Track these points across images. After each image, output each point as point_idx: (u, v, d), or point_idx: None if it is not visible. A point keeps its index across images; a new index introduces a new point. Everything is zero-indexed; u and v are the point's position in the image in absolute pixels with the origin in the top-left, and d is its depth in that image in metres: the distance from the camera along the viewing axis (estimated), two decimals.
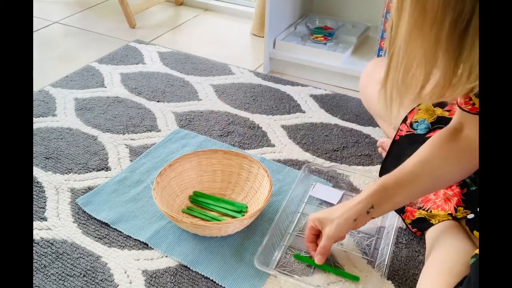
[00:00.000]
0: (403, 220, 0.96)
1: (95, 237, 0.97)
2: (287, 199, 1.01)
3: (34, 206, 1.04)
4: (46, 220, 1.01)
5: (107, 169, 1.15)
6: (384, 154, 1.09)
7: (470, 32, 0.55)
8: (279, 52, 1.60)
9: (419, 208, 0.93)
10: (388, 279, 0.89)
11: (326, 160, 1.19)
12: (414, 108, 0.96)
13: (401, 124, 0.98)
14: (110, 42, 1.82)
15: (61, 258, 0.93)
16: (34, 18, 1.99)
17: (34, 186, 1.09)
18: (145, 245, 0.96)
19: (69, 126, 1.31)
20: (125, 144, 1.24)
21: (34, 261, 0.92)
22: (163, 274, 0.90)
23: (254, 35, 1.92)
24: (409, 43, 0.59)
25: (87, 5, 2.17)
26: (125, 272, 0.90)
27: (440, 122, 0.92)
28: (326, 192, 1.08)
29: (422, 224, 0.92)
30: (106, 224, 1.00)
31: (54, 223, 1.00)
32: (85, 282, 0.88)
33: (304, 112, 1.38)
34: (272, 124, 1.33)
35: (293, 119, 1.35)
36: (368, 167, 1.17)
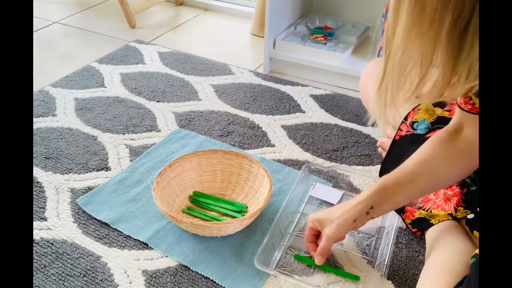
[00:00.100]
0: (403, 220, 0.96)
1: (95, 237, 0.97)
2: (287, 199, 1.01)
3: (34, 206, 1.04)
4: (46, 220, 1.01)
5: (107, 169, 1.15)
6: (384, 154, 1.09)
7: (470, 32, 0.55)
8: (279, 52, 1.60)
9: (419, 208, 0.93)
10: (388, 279, 0.89)
11: (326, 160, 1.19)
12: (414, 108, 0.96)
13: (401, 124, 0.98)
14: (110, 42, 1.82)
15: (61, 258, 0.93)
16: (34, 18, 1.99)
17: (34, 186, 1.09)
18: (145, 245, 0.96)
19: (69, 126, 1.31)
20: (125, 144, 1.24)
21: (34, 261, 0.92)
22: (163, 274, 0.90)
23: (254, 35, 1.92)
24: (406, 44, 0.59)
25: (87, 5, 2.17)
26: (125, 272, 0.90)
27: (440, 122, 0.92)
28: (326, 192, 1.08)
29: (422, 224, 0.92)
30: (106, 224, 1.00)
31: (54, 223, 1.00)
32: (85, 282, 0.88)
33: (304, 112, 1.38)
34: (272, 124, 1.33)
35: (293, 119, 1.35)
36: (368, 167, 1.17)
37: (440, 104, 0.94)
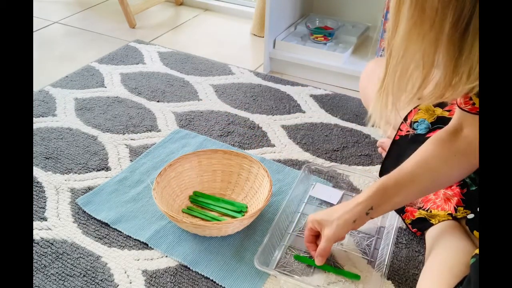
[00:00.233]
0: (403, 220, 0.96)
1: (95, 237, 0.97)
2: (287, 199, 1.01)
3: (34, 206, 1.04)
4: (46, 220, 1.01)
5: (107, 169, 1.15)
6: (384, 154, 1.09)
7: (470, 33, 0.55)
8: (279, 52, 1.60)
9: (419, 208, 0.93)
10: (388, 279, 0.89)
11: (326, 160, 1.19)
12: (414, 108, 0.96)
13: (401, 124, 0.98)
14: (110, 42, 1.82)
15: (61, 258, 0.93)
16: (34, 18, 1.99)
17: (34, 186, 1.09)
18: (145, 245, 0.96)
19: (69, 126, 1.31)
20: (125, 144, 1.24)
21: (34, 261, 0.92)
22: (163, 274, 0.90)
23: (254, 35, 1.92)
24: (407, 45, 0.59)
25: (87, 5, 2.17)
26: (125, 272, 0.90)
27: (440, 122, 0.92)
28: (326, 192, 1.08)
29: (422, 224, 0.92)
30: (106, 224, 1.00)
31: (54, 223, 1.00)
32: (85, 282, 0.88)
33: (304, 112, 1.38)
34: (272, 124, 1.33)
35: (293, 119, 1.35)
36: (368, 167, 1.17)
37: (440, 104, 0.94)
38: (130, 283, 0.88)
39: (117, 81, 1.53)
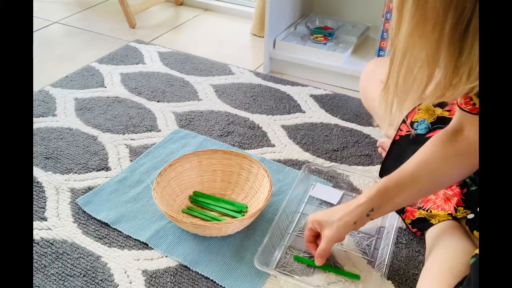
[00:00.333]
0: (403, 220, 0.96)
1: (95, 237, 0.97)
2: (287, 199, 1.01)
3: (34, 206, 1.04)
4: (46, 220, 1.01)
5: (107, 169, 1.15)
6: (384, 154, 1.09)
7: (470, 33, 0.55)
8: (279, 52, 1.60)
9: (419, 208, 0.93)
10: (388, 279, 0.89)
11: (326, 160, 1.19)
12: (414, 108, 0.96)
13: (401, 124, 0.97)
14: (110, 42, 1.82)
15: (61, 258, 0.93)
16: (34, 18, 1.99)
17: (34, 186, 1.09)
18: (145, 245, 0.96)
19: (69, 126, 1.31)
20: (125, 144, 1.24)
21: (34, 261, 0.92)
22: (163, 274, 0.90)
23: (254, 35, 1.92)
24: (410, 45, 0.59)
25: (87, 5, 2.17)
26: (125, 272, 0.90)
27: (440, 122, 0.92)
28: (326, 192, 1.08)
29: (422, 224, 0.92)
30: (106, 224, 1.00)
31: (54, 223, 1.00)
32: (85, 282, 0.88)
33: (304, 112, 1.38)
34: (272, 124, 1.33)
35: (293, 119, 1.35)
36: (368, 167, 1.17)
37: (440, 104, 0.94)
38: (130, 283, 0.88)
39: (117, 81, 1.53)
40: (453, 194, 0.89)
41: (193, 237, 0.97)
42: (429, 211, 0.91)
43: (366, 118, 1.34)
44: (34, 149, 1.21)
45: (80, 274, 0.89)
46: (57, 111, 1.37)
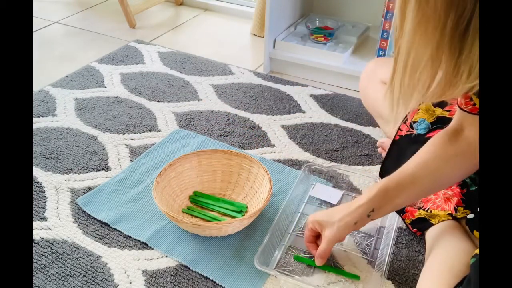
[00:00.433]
0: (403, 220, 0.96)
1: (95, 237, 0.97)
2: (287, 199, 1.01)
3: (34, 206, 1.04)
4: (46, 220, 1.01)
5: (107, 169, 1.15)
6: (384, 154, 1.09)
7: (470, 32, 0.55)
8: (279, 52, 1.60)
9: (419, 208, 0.93)
10: (388, 279, 0.89)
11: (326, 160, 1.19)
12: (411, 111, 0.96)
13: (401, 124, 0.97)
14: (110, 42, 1.82)
15: (61, 258, 0.93)
16: (34, 18, 1.99)
17: (34, 186, 1.09)
18: (145, 245, 0.96)
19: (69, 126, 1.31)
20: (125, 144, 1.24)
21: (34, 261, 0.92)
22: (163, 274, 0.90)
23: (254, 35, 1.92)
24: (414, 44, 0.59)
25: (87, 5, 2.17)
26: (125, 272, 0.90)
27: (440, 122, 0.92)
28: (326, 192, 1.08)
29: (422, 224, 0.92)
30: (106, 224, 1.00)
31: (54, 223, 1.00)
32: (85, 282, 0.88)
33: (304, 112, 1.38)
34: (272, 124, 1.33)
35: (293, 119, 1.35)
36: (368, 167, 1.17)
37: (440, 104, 0.94)
38: (130, 283, 0.88)
39: (117, 81, 1.53)
40: (453, 194, 0.89)
41: (193, 237, 0.97)
42: (429, 211, 0.91)
43: (366, 118, 1.34)
44: (34, 149, 1.21)
45: (80, 274, 0.89)
46: (57, 111, 1.37)
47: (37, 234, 0.97)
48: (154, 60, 1.66)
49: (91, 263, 0.92)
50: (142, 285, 0.88)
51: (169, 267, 0.91)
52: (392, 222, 0.96)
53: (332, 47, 1.58)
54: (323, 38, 1.61)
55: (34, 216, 1.02)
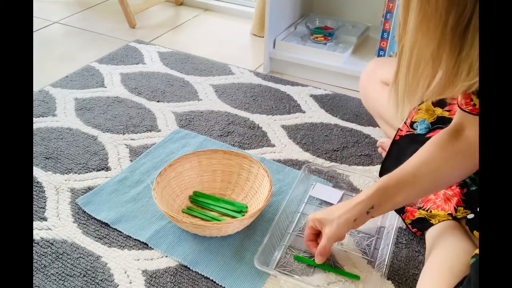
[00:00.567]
0: (403, 220, 0.96)
1: (95, 237, 0.97)
2: (287, 199, 1.01)
3: (34, 206, 1.04)
4: (46, 220, 1.01)
5: (107, 169, 1.15)
6: (384, 154, 1.09)
7: (471, 30, 0.55)
8: (279, 52, 1.60)
9: (419, 208, 0.93)
10: (388, 279, 0.89)
11: (326, 160, 1.19)
12: (414, 108, 0.96)
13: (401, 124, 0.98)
14: (110, 42, 1.82)
15: (61, 258, 0.93)
16: (34, 18, 1.99)
17: (34, 186, 1.09)
18: (145, 245, 0.96)
19: (69, 126, 1.31)
20: (125, 144, 1.24)
21: (34, 261, 0.92)
22: (163, 274, 0.90)
23: (254, 35, 1.92)
24: (416, 43, 0.59)
25: (87, 5, 2.17)
26: (125, 272, 0.90)
27: (440, 122, 0.92)
28: (326, 192, 1.08)
29: (422, 224, 0.92)
30: (106, 224, 1.00)
31: (54, 223, 1.00)
32: (85, 282, 0.88)
33: (304, 112, 1.38)
34: (272, 124, 1.33)
35: (293, 119, 1.35)
36: (368, 167, 1.17)
37: (440, 104, 0.94)
38: (130, 283, 0.88)
39: (117, 81, 1.53)
40: (453, 194, 0.89)
41: (193, 237, 0.97)
42: (429, 211, 0.91)
43: (366, 118, 1.34)
44: (34, 149, 1.21)
45: (80, 274, 0.89)
46: (57, 111, 1.37)
47: (37, 234, 0.97)
48: (154, 60, 1.66)
49: (91, 263, 0.92)
50: (142, 285, 0.88)
51: (169, 267, 0.91)
52: (392, 222, 0.96)
53: (332, 47, 1.58)
54: (323, 38, 1.61)
55: (34, 216, 1.02)
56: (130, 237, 0.97)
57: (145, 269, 0.91)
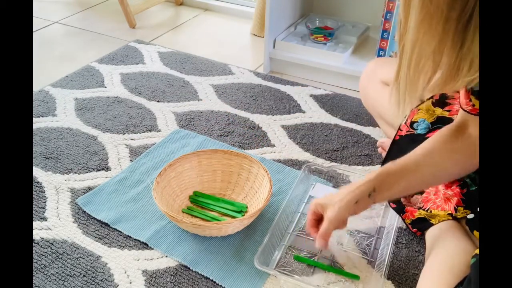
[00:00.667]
0: (403, 220, 0.96)
1: (95, 237, 0.97)
2: (287, 199, 1.01)
3: (34, 206, 1.04)
4: (46, 220, 1.01)
5: (107, 169, 1.15)
6: (384, 154, 1.09)
7: (472, 25, 0.55)
8: (279, 52, 1.60)
9: (419, 208, 0.93)
10: (388, 279, 0.89)
11: (326, 160, 1.19)
12: (414, 108, 0.96)
13: (401, 124, 0.97)
14: (110, 42, 1.82)
15: (61, 258, 0.93)
16: (34, 18, 1.99)
17: (34, 186, 1.09)
18: (145, 245, 0.96)
19: (69, 126, 1.31)
20: (125, 144, 1.24)
21: (34, 261, 0.92)
22: (163, 274, 0.90)
23: (254, 35, 1.92)
24: (417, 40, 0.59)
25: (87, 5, 2.17)
26: (125, 272, 0.90)
27: (440, 122, 0.92)
28: (326, 192, 1.07)
29: (422, 224, 0.92)
30: (106, 224, 1.00)
31: (54, 223, 1.00)
32: (85, 282, 0.88)
33: (304, 112, 1.38)
34: (272, 124, 1.33)
35: (293, 119, 1.35)
36: (368, 167, 1.17)
37: (440, 104, 0.94)
38: (130, 283, 0.88)
39: (117, 81, 1.53)
40: (453, 194, 0.89)
41: (193, 237, 0.97)
42: (429, 211, 0.91)
43: (366, 118, 1.34)
44: (34, 149, 1.21)
45: (80, 274, 0.89)
46: (57, 111, 1.37)
47: (37, 234, 0.97)
48: (154, 60, 1.66)
49: (91, 263, 0.92)
50: (142, 285, 0.88)
51: (169, 267, 0.91)
52: (392, 222, 0.96)
53: (332, 47, 1.58)
54: (323, 38, 1.61)
55: (34, 216, 1.02)
56: (130, 237, 0.97)
57: (145, 269, 0.91)
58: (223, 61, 1.67)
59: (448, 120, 0.83)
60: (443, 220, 0.89)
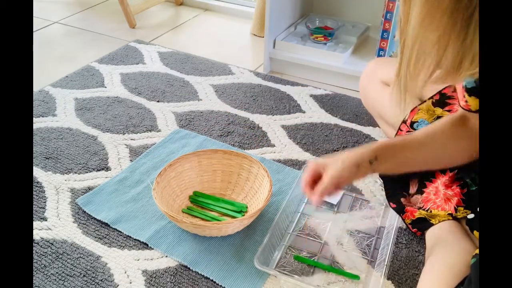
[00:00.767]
0: (403, 220, 0.96)
1: (95, 237, 0.97)
2: (287, 199, 1.01)
3: (34, 206, 1.04)
4: (46, 220, 1.01)
5: (107, 169, 1.15)
6: None
7: (474, 19, 0.55)
8: (279, 52, 1.60)
9: (419, 208, 0.93)
10: (388, 279, 0.89)
11: None
12: (414, 108, 0.96)
13: (401, 124, 0.98)
14: (110, 42, 1.82)
15: (61, 258, 0.93)
16: (34, 18, 1.99)
17: (34, 186, 1.09)
18: (145, 245, 0.96)
19: (69, 126, 1.31)
20: (125, 144, 1.24)
21: (34, 261, 0.92)
22: (163, 274, 0.90)
23: (254, 35, 1.92)
24: (419, 37, 0.59)
25: (87, 5, 2.17)
26: (125, 272, 0.90)
27: None
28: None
29: (422, 224, 0.92)
30: (106, 224, 1.00)
31: (54, 223, 1.00)
32: (85, 282, 0.88)
33: (304, 112, 1.38)
34: (272, 124, 1.33)
35: (293, 119, 1.35)
36: None
37: (440, 104, 0.94)
38: (130, 283, 0.88)
39: (117, 81, 1.53)
40: (453, 194, 0.89)
41: (193, 237, 0.97)
42: (429, 211, 0.91)
43: (366, 118, 1.34)
44: (34, 149, 1.21)
45: (80, 274, 0.89)
46: (57, 111, 1.37)
47: (37, 234, 0.97)
48: (154, 60, 1.66)
49: (91, 263, 0.92)
50: (142, 285, 0.88)
51: (169, 267, 0.91)
52: (392, 222, 0.96)
53: (332, 47, 1.58)
54: (323, 38, 1.61)
55: (34, 216, 1.02)
56: (130, 237, 0.97)
57: (145, 269, 0.91)
58: (223, 61, 1.67)
59: None
60: (443, 220, 0.89)
